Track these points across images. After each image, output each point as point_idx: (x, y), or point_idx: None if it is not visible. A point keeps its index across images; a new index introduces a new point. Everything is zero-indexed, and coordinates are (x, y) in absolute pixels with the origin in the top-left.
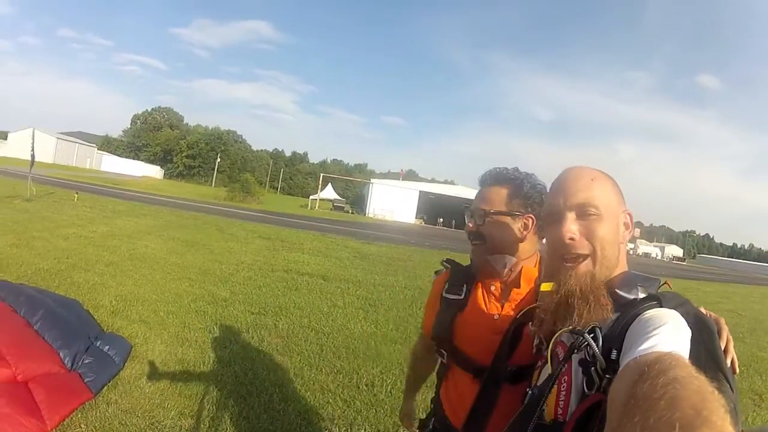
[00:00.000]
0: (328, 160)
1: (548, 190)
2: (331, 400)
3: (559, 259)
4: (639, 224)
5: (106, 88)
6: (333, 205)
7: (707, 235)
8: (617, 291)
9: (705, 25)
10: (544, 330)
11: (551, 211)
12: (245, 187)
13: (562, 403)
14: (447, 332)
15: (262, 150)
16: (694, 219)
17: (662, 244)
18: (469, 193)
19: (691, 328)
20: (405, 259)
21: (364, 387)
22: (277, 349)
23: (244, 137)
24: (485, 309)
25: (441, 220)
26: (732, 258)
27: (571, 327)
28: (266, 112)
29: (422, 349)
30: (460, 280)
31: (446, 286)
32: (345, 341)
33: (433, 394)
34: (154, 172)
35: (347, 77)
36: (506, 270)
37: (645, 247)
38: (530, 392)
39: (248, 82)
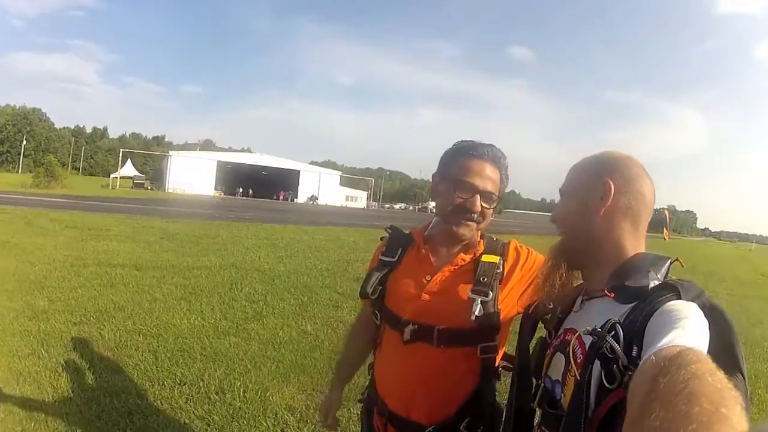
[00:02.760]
0: (127, 134)
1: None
2: (187, 421)
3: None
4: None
5: None
6: (133, 183)
7: (513, 191)
8: (628, 282)
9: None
10: (551, 321)
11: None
12: (49, 171)
13: None
14: (375, 291)
15: (64, 128)
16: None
17: None
18: (267, 160)
19: (707, 320)
20: (213, 236)
21: (215, 396)
22: (110, 366)
23: (48, 115)
24: (416, 270)
25: (240, 189)
26: (541, 212)
27: (590, 329)
28: (72, 85)
29: (362, 321)
30: (397, 244)
31: (384, 250)
32: (177, 342)
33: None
34: None
35: (150, 44)
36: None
37: None
38: (542, 384)
39: (58, 53)
